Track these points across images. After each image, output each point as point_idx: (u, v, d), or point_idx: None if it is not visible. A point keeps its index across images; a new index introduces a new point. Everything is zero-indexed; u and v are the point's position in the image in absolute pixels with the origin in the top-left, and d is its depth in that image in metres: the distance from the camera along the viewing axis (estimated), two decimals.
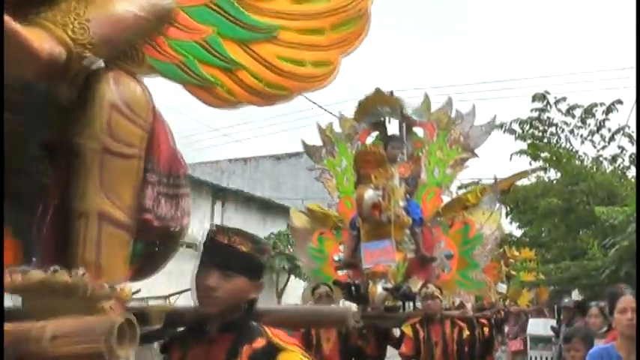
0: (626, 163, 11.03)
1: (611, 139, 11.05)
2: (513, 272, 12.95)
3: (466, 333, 5.88)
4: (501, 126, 10.58)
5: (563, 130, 11.00)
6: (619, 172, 10.71)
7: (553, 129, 10.92)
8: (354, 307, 6.70)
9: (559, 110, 10.93)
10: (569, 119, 11.00)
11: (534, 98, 10.73)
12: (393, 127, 7.34)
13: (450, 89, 24.96)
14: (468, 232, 6.46)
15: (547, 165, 10.07)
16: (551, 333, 9.77)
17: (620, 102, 10.87)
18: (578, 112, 10.98)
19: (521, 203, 10.20)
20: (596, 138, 11.05)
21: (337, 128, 7.42)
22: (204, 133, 51.27)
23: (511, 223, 11.20)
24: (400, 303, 6.35)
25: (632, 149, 10.87)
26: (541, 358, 10.42)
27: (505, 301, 12.51)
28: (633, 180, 9.95)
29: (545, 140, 10.70)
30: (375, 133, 7.38)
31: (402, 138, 7.06)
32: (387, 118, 7.32)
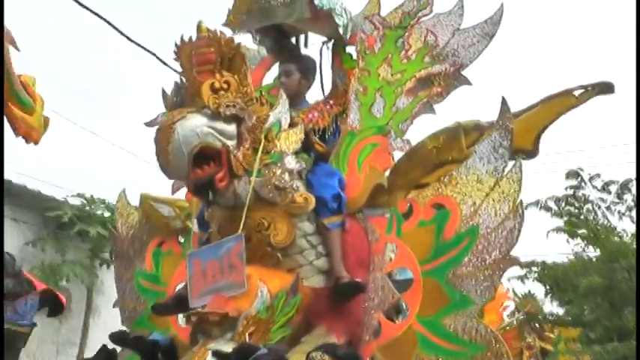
0: None
1: None
2: (550, 348, 10.99)
3: None
4: (537, 203, 10.55)
5: (599, 207, 10.85)
6: None
7: (589, 205, 10.84)
8: None
9: (594, 187, 10.82)
10: (605, 195, 10.83)
11: (568, 175, 10.69)
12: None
13: None
14: (443, 226, 2.82)
15: (585, 242, 10.40)
16: None
17: None
18: (613, 188, 10.83)
19: (560, 282, 10.38)
20: (635, 213, 10.79)
21: None
22: None
23: (551, 302, 11.35)
24: None
25: None
26: None
27: None
28: None
29: (582, 217, 10.74)
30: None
31: (301, 56, 3.63)
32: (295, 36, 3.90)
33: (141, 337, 2.85)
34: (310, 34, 3.94)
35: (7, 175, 8.50)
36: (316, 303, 2.78)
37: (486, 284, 2.69)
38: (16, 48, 2.72)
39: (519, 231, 2.73)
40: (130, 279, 3.61)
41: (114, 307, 3.68)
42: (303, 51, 3.94)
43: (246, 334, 2.46)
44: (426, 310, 2.75)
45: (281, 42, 3.89)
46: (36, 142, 2.93)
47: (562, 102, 3.03)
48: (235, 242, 2.53)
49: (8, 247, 9.57)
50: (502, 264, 2.71)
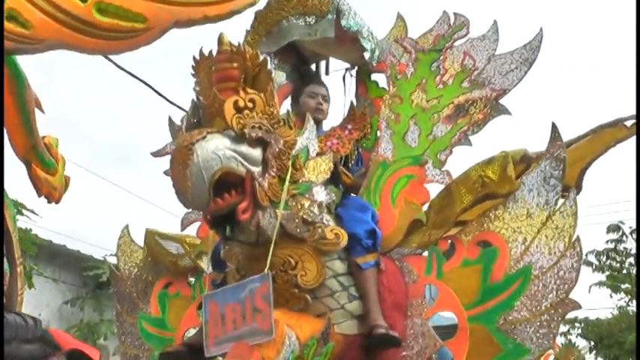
0: None
1: None
2: None
3: None
4: None
5: None
6: None
7: (632, 259, 10.51)
8: None
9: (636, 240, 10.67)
10: None
11: (609, 229, 10.48)
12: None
13: None
14: (491, 266, 2.52)
15: (629, 297, 10.12)
16: None
17: None
18: None
19: (605, 337, 10.16)
20: None
21: None
22: None
23: (596, 359, 11.10)
24: None
25: None
26: None
27: None
28: None
29: (625, 271, 10.51)
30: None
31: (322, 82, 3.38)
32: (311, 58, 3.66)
33: None
34: (332, 61, 3.73)
35: (47, 236, 8.44)
36: (348, 352, 2.46)
37: (544, 331, 2.38)
38: (42, 110, 2.68)
39: (578, 270, 2.43)
40: (133, 323, 3.27)
41: (113, 354, 3.32)
42: (324, 78, 3.71)
43: None
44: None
45: (300, 68, 3.65)
46: (57, 202, 2.96)
47: (611, 133, 2.77)
48: (260, 283, 2.20)
49: (48, 307, 9.42)
50: (561, 308, 2.39)
